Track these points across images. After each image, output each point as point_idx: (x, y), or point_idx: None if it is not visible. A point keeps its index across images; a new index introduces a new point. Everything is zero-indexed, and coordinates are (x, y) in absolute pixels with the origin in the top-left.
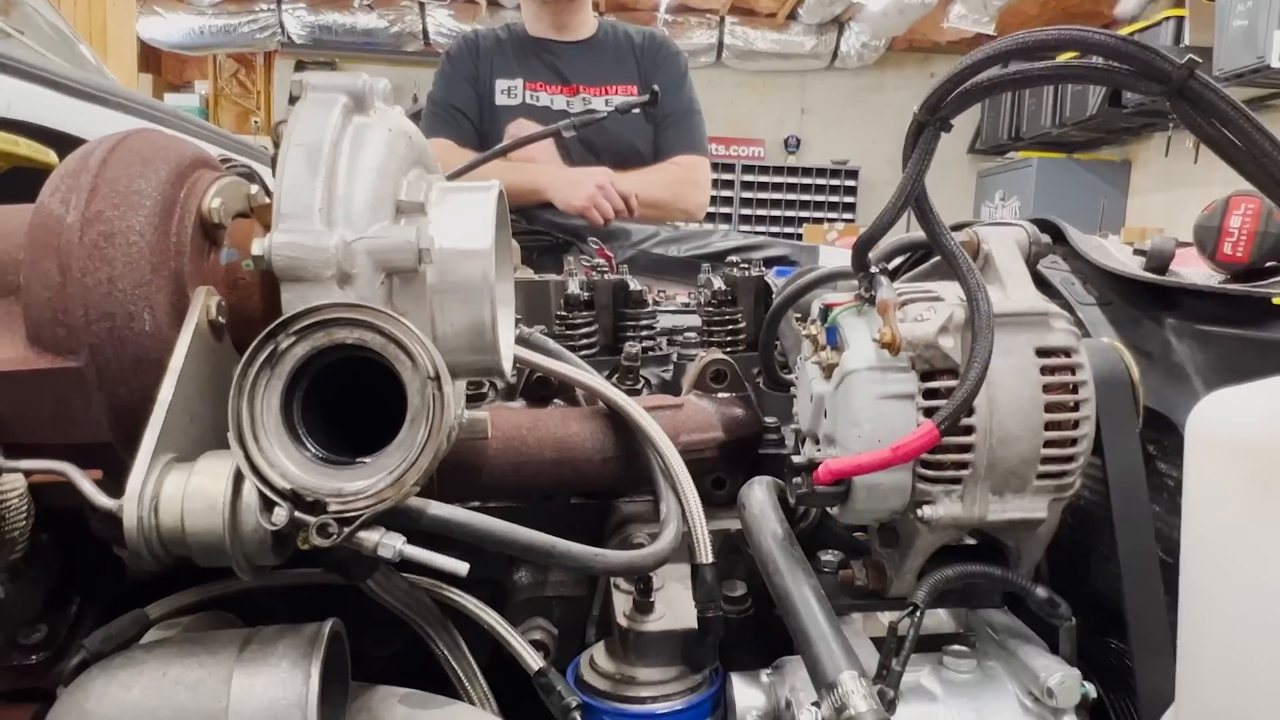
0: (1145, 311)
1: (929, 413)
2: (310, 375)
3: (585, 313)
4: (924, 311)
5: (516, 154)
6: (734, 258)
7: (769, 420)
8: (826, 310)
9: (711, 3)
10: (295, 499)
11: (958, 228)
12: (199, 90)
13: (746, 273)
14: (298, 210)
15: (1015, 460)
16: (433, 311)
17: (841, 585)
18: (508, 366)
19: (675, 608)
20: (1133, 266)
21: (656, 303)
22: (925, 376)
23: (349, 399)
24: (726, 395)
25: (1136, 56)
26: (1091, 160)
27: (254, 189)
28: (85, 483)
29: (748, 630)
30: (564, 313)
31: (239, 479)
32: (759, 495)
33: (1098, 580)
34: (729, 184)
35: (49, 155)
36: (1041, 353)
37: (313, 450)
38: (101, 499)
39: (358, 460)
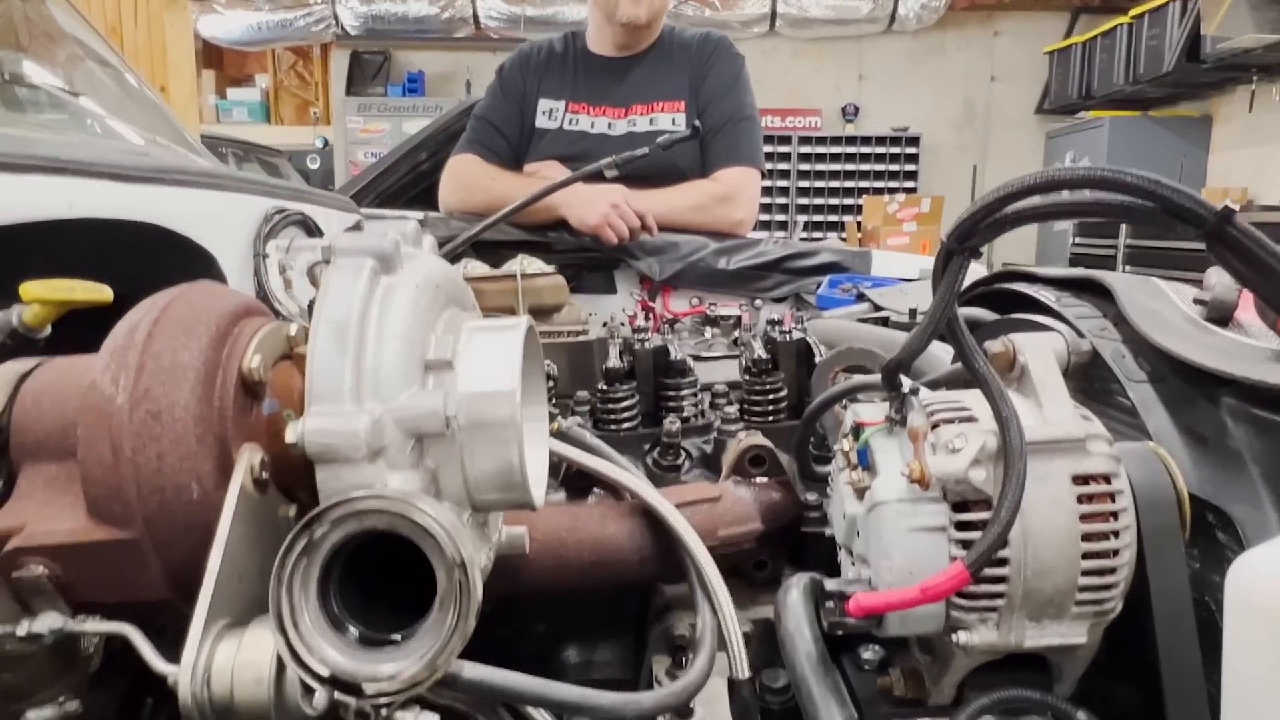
0: (1200, 389)
1: (963, 544)
2: (346, 553)
3: (626, 385)
4: (956, 439)
5: (533, 168)
6: (777, 289)
7: (810, 498)
8: (858, 428)
9: None
10: (334, 682)
11: (1000, 278)
12: (259, 84)
13: (788, 336)
14: (328, 392)
15: (1051, 590)
16: (462, 455)
17: (880, 692)
18: (539, 499)
19: (714, 707)
20: (1191, 320)
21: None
22: (958, 507)
23: (384, 553)
24: (765, 481)
25: (1171, 200)
26: (1168, 117)
27: (293, 329)
28: (145, 647)
29: (791, 718)
30: (605, 386)
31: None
32: (794, 608)
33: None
34: (785, 157)
35: (104, 293)
36: (1078, 480)
37: (351, 631)
38: (160, 664)
39: (393, 639)
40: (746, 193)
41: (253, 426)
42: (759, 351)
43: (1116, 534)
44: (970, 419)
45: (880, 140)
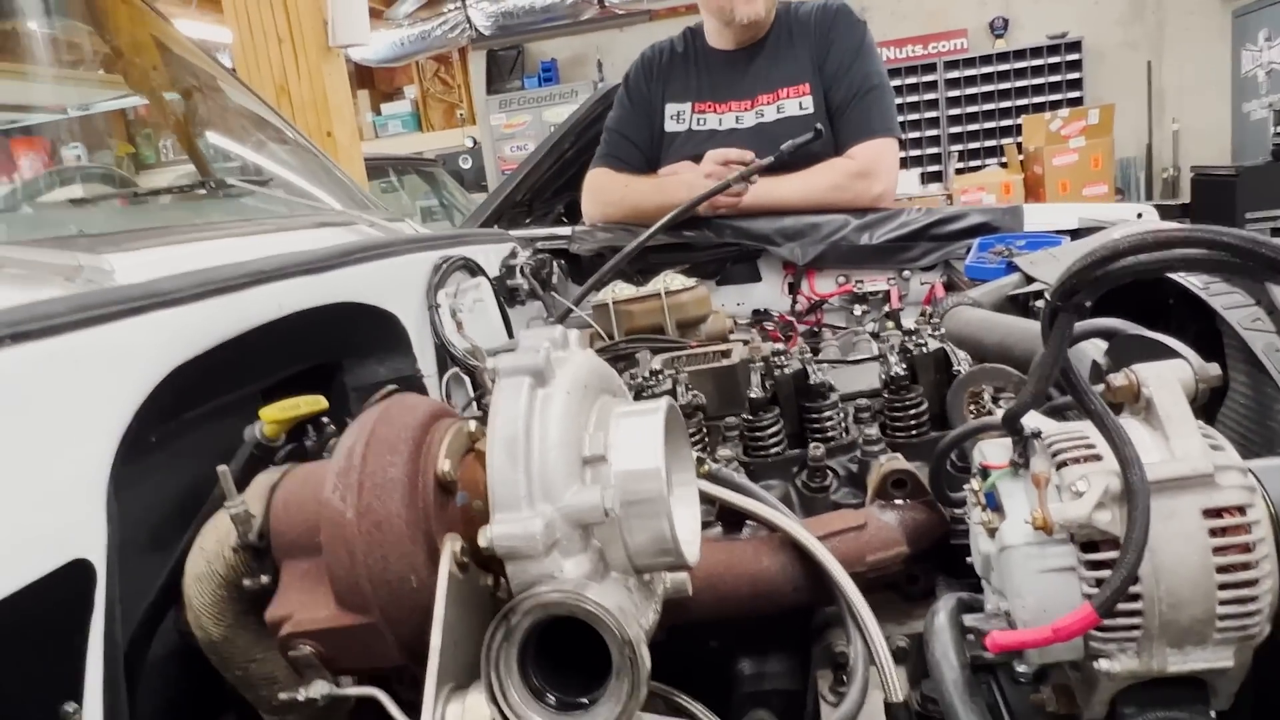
0: None
1: (1095, 582)
2: (537, 633)
3: (770, 413)
4: (1079, 481)
5: (666, 171)
6: (928, 256)
7: (957, 512)
8: (985, 470)
9: None
10: None
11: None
12: (409, 95)
13: (924, 348)
14: (507, 501)
15: (1189, 621)
16: (622, 532)
17: (1033, 708)
18: (693, 556)
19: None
20: None
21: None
22: (1086, 547)
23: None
24: (909, 503)
25: (1268, 257)
26: None
27: (472, 426)
28: (392, 706)
29: None
30: (750, 416)
31: None
32: (940, 633)
33: None
34: (931, 86)
35: (321, 404)
36: (1209, 513)
37: (549, 698)
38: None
39: (582, 703)
40: (884, 165)
41: (450, 518)
42: (896, 368)
43: (1255, 564)
44: (1095, 457)
45: (1036, 52)
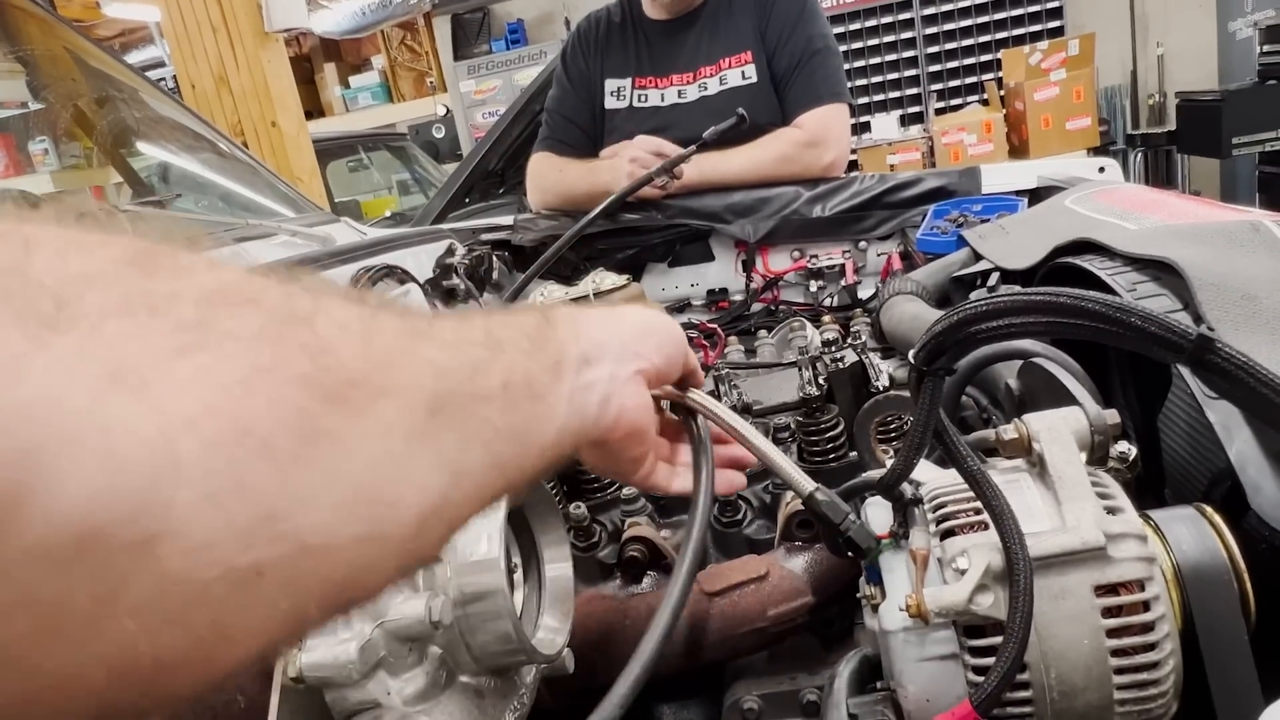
0: None
1: (978, 670)
2: None
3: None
4: (960, 558)
5: (608, 153)
6: (876, 231)
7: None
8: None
9: None
10: None
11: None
12: (376, 65)
13: (840, 363)
14: None
15: (1084, 708)
16: (460, 631)
17: None
18: (551, 649)
19: None
20: None
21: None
22: (970, 632)
23: None
24: (817, 545)
25: (1142, 330)
26: None
27: None
28: None
29: None
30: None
31: None
32: (838, 704)
33: None
34: (908, 25)
35: None
36: (1103, 590)
37: None
38: None
39: None
40: (834, 132)
41: None
42: (809, 386)
43: (1155, 644)
44: (983, 525)
45: None
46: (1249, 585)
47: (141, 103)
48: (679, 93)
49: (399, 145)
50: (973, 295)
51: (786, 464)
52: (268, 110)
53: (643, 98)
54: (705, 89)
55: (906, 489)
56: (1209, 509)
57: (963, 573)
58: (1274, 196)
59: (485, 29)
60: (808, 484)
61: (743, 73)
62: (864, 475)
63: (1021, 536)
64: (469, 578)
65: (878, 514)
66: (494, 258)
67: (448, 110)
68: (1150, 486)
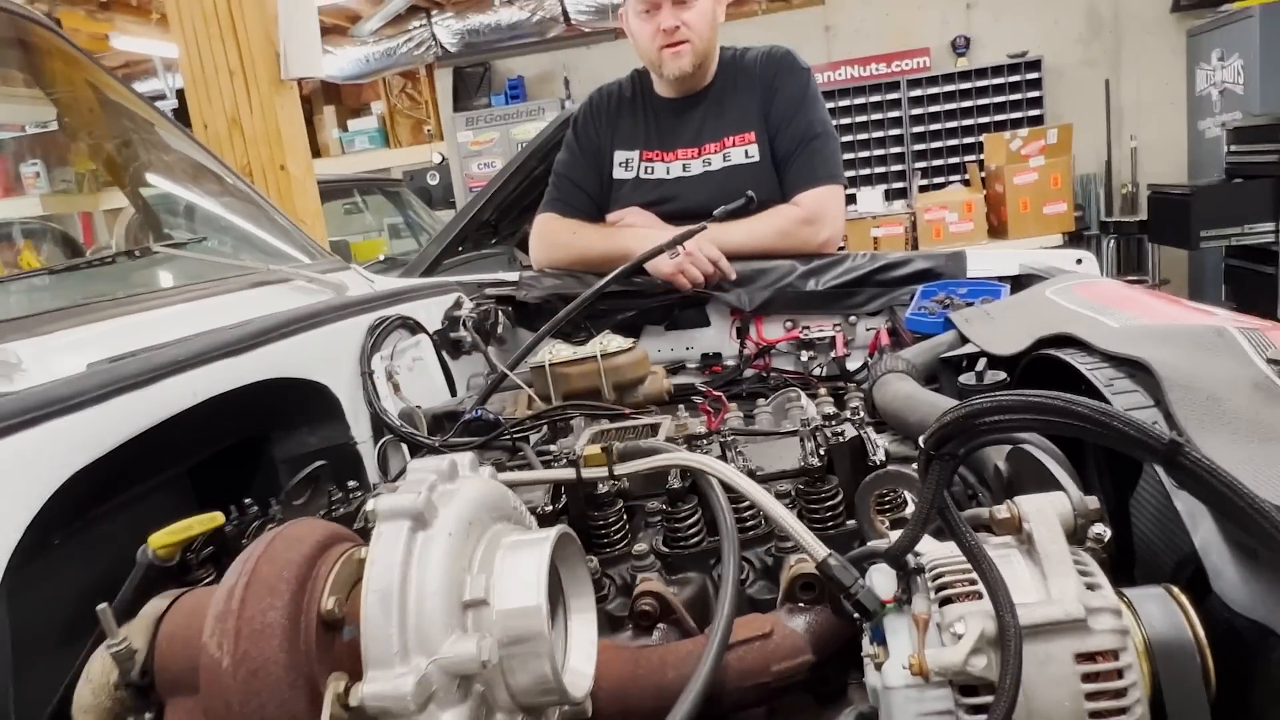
0: None
1: None
2: None
3: (688, 504)
4: (958, 623)
5: (615, 216)
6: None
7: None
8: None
9: None
10: None
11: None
12: (375, 111)
13: (841, 437)
14: (380, 658)
15: None
16: (502, 670)
17: None
18: (580, 692)
19: None
20: (1262, 389)
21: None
22: (965, 691)
23: None
24: (818, 607)
25: (1123, 433)
26: None
27: (362, 553)
28: None
29: None
30: (669, 507)
31: None
32: None
33: None
34: (895, 104)
35: (217, 519)
36: (1082, 658)
37: None
38: None
39: None
40: (829, 212)
41: (337, 655)
42: (811, 458)
43: (1128, 708)
44: (978, 594)
45: (997, 70)
46: (1210, 660)
47: (160, 140)
48: (684, 166)
49: (394, 190)
50: (961, 379)
51: (803, 531)
52: (278, 154)
53: (649, 170)
54: (709, 164)
55: (910, 559)
56: (1176, 590)
57: (959, 637)
58: (1239, 288)
59: (486, 83)
60: (822, 550)
61: (746, 151)
62: (870, 544)
63: (1013, 607)
64: (514, 621)
65: (880, 580)
66: (499, 312)
67: (443, 158)
68: (1121, 566)
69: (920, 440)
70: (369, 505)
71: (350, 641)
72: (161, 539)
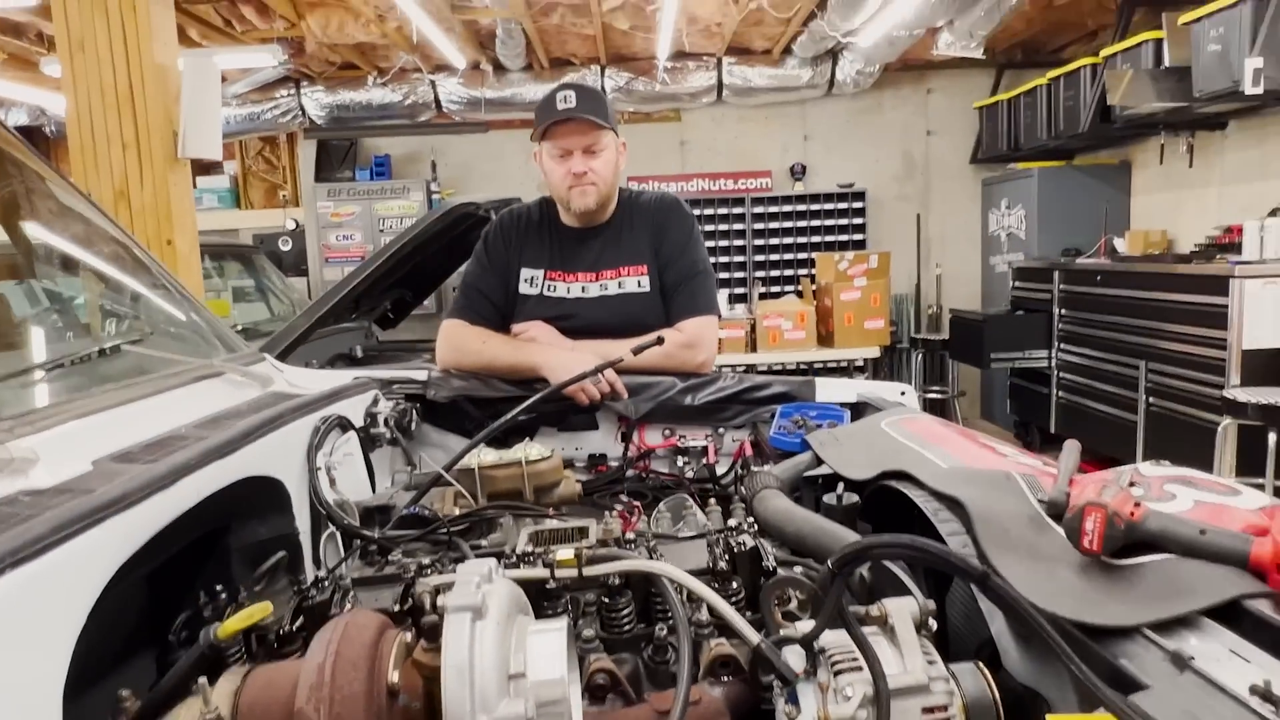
0: None
1: None
2: None
3: (623, 596)
4: (848, 688)
5: (520, 328)
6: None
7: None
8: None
9: (708, 47)
10: None
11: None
12: (228, 170)
13: (743, 546)
14: (458, 715)
15: None
16: None
17: None
18: None
19: None
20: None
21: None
22: None
23: None
24: (731, 680)
25: (953, 564)
26: (1092, 165)
27: (409, 637)
28: None
29: None
30: (606, 599)
31: None
32: None
33: None
34: (740, 218)
35: (267, 609)
36: (927, 711)
37: None
38: None
39: None
40: (706, 339)
41: (396, 716)
42: (720, 562)
43: None
44: (859, 668)
45: (829, 197)
46: (1002, 714)
47: (58, 202)
48: (583, 288)
49: (248, 255)
50: (825, 498)
51: (743, 623)
52: (165, 229)
53: (552, 288)
54: (605, 289)
55: (815, 644)
56: (981, 665)
57: (849, 699)
58: (1022, 403)
59: (351, 156)
60: (756, 636)
61: (638, 281)
62: (783, 632)
63: (884, 676)
64: (545, 690)
65: (793, 658)
66: (414, 410)
67: (298, 225)
68: (939, 645)
69: (830, 562)
70: (440, 601)
71: (405, 707)
72: (231, 625)
